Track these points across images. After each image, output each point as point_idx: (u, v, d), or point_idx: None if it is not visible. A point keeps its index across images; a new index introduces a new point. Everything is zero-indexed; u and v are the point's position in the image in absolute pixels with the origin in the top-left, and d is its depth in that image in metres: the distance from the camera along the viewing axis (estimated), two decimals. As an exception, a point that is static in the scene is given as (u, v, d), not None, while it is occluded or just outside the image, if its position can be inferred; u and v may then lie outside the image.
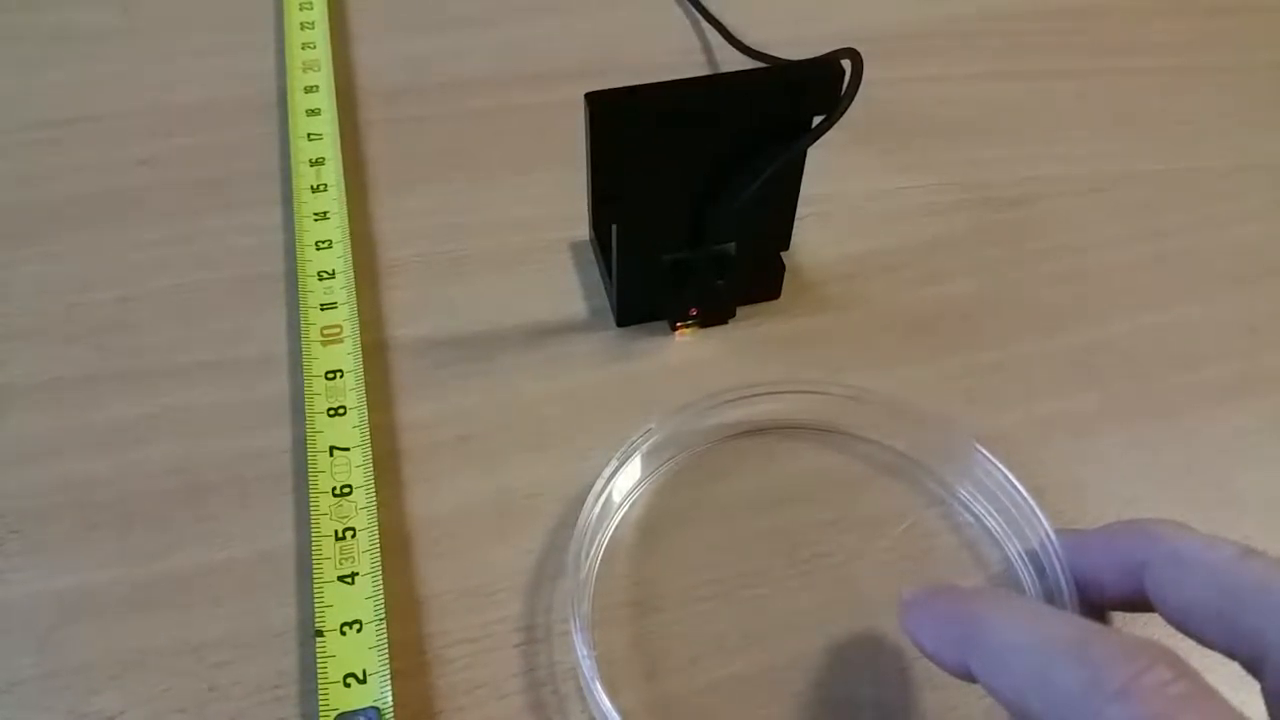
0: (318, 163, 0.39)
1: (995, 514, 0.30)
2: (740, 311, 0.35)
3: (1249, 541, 0.22)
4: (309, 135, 0.40)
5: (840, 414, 0.32)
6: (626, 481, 0.30)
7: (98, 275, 0.36)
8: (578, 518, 0.28)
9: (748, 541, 0.30)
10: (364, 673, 0.26)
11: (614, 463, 0.29)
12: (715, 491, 0.31)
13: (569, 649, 0.26)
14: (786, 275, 0.35)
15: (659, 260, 0.33)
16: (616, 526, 0.30)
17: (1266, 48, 0.49)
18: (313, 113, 0.41)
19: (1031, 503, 0.28)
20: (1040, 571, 0.27)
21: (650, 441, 0.30)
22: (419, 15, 0.48)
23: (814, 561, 0.29)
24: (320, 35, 0.45)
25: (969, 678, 0.21)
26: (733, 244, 0.33)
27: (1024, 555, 0.28)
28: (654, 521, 0.30)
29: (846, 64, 0.30)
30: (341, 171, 0.39)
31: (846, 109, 0.30)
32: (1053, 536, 0.26)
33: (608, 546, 0.29)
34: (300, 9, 0.47)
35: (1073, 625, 0.20)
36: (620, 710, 0.24)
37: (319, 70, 0.43)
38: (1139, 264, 0.38)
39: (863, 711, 0.26)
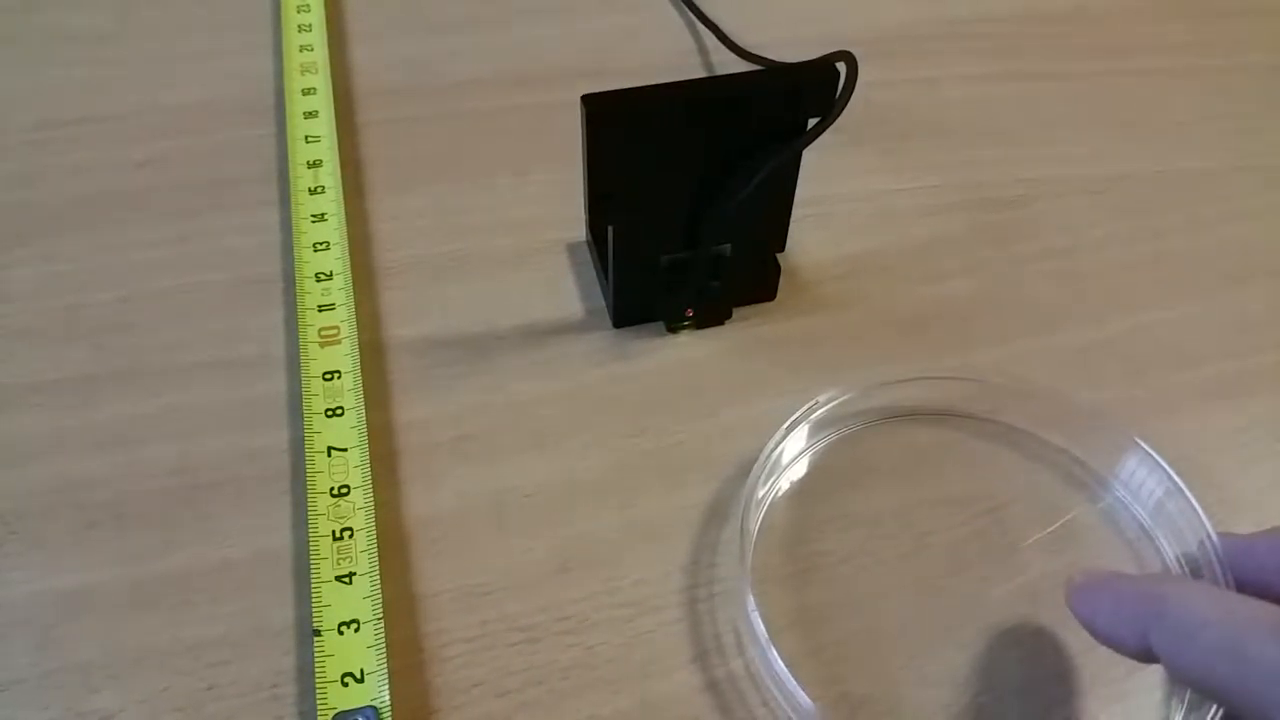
0: (315, 164, 0.39)
1: (1151, 511, 0.29)
2: (736, 312, 0.35)
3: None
4: (307, 137, 0.40)
5: (997, 403, 0.32)
6: (793, 447, 0.30)
7: (96, 276, 0.36)
8: (744, 480, 0.29)
9: (907, 521, 0.30)
10: (362, 672, 0.26)
11: (781, 431, 0.30)
12: (873, 469, 0.31)
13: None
14: (783, 276, 0.36)
15: (655, 261, 0.33)
16: (778, 492, 0.30)
17: (1261, 49, 0.49)
18: (310, 115, 0.41)
19: (1193, 502, 0.28)
20: (1196, 573, 0.27)
21: (817, 414, 0.30)
22: (416, 17, 0.48)
23: (963, 545, 0.30)
24: (318, 37, 0.45)
25: (1146, 656, 0.21)
26: (729, 245, 0.33)
27: (1181, 556, 0.28)
28: (811, 488, 0.31)
29: (842, 66, 0.30)
30: (339, 173, 0.39)
31: (842, 111, 0.30)
32: (1214, 537, 0.26)
33: (767, 510, 0.30)
34: (298, 11, 0.47)
35: (1263, 606, 0.20)
36: (787, 660, 0.25)
37: (317, 72, 0.43)
38: (1134, 264, 0.38)
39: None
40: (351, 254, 0.36)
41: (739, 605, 0.27)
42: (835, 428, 0.32)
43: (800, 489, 0.31)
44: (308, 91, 0.42)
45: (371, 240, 0.38)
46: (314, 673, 0.26)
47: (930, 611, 0.28)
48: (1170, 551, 0.29)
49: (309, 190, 0.38)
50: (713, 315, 0.35)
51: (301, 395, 0.32)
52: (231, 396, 0.33)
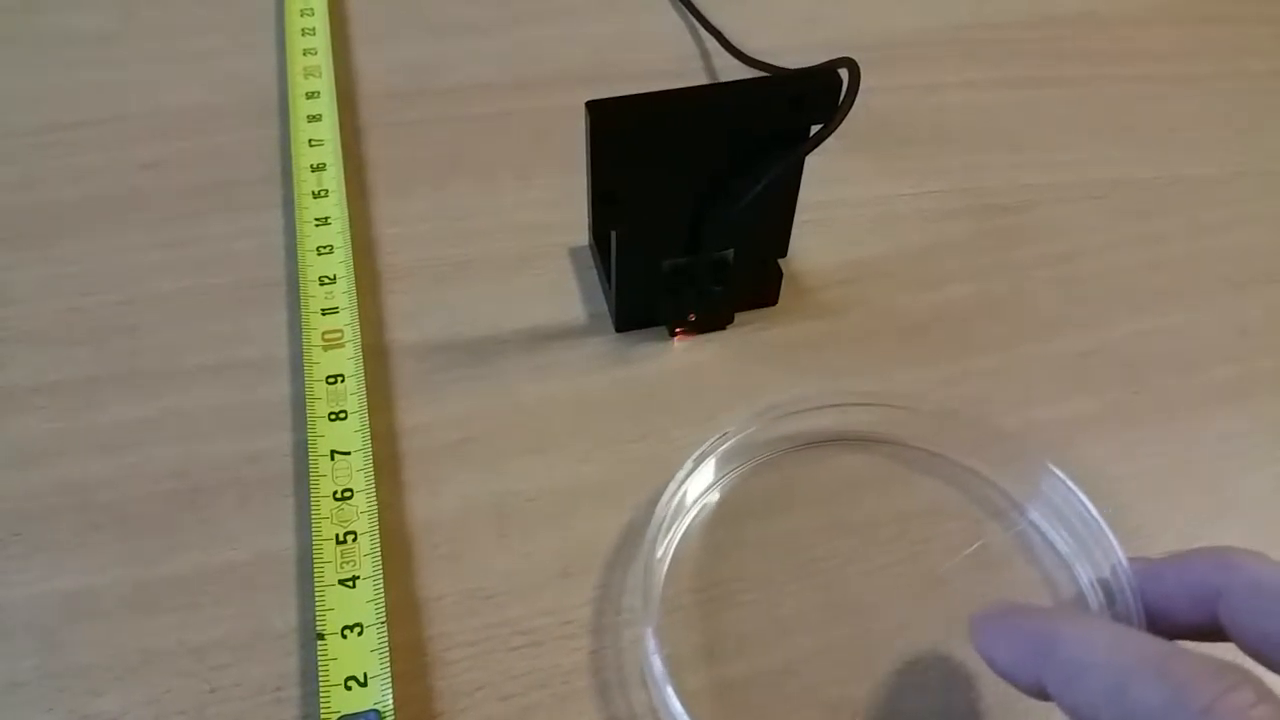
0: (319, 168, 0.39)
1: (1066, 537, 0.29)
2: (738, 317, 0.36)
3: (1240, 546, 0.22)
4: (310, 141, 0.40)
5: (908, 428, 0.32)
6: (699, 484, 0.30)
7: (100, 278, 0.36)
8: (652, 514, 0.28)
9: (808, 548, 0.30)
10: (365, 675, 0.26)
11: (688, 465, 0.29)
12: (778, 501, 0.31)
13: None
14: (784, 281, 0.36)
15: (658, 266, 0.33)
16: (686, 526, 0.30)
17: (1260, 56, 0.49)
18: (314, 118, 0.41)
19: (1104, 527, 0.28)
20: (1110, 598, 0.27)
21: (723, 447, 0.30)
22: (419, 21, 0.48)
23: (879, 572, 0.29)
24: (321, 41, 0.46)
25: (1042, 695, 0.21)
26: (731, 250, 0.33)
27: (1095, 581, 0.28)
28: (720, 523, 0.30)
29: (844, 73, 0.30)
30: (343, 177, 0.39)
31: (844, 118, 0.30)
32: (1125, 562, 0.26)
33: (677, 544, 0.29)
34: (301, 15, 0.47)
35: (1153, 643, 0.20)
36: (684, 697, 0.25)
37: (320, 76, 0.44)
38: (1135, 269, 0.38)
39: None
40: (355, 257, 0.36)
41: (641, 645, 0.26)
42: (751, 456, 0.31)
43: (713, 518, 0.30)
44: (311, 95, 0.43)
45: (375, 244, 0.38)
46: (317, 676, 0.26)
47: (844, 640, 0.28)
48: (1086, 577, 0.29)
49: (312, 194, 0.38)
50: (714, 320, 0.35)
51: (305, 398, 0.32)
52: (235, 400, 0.33)
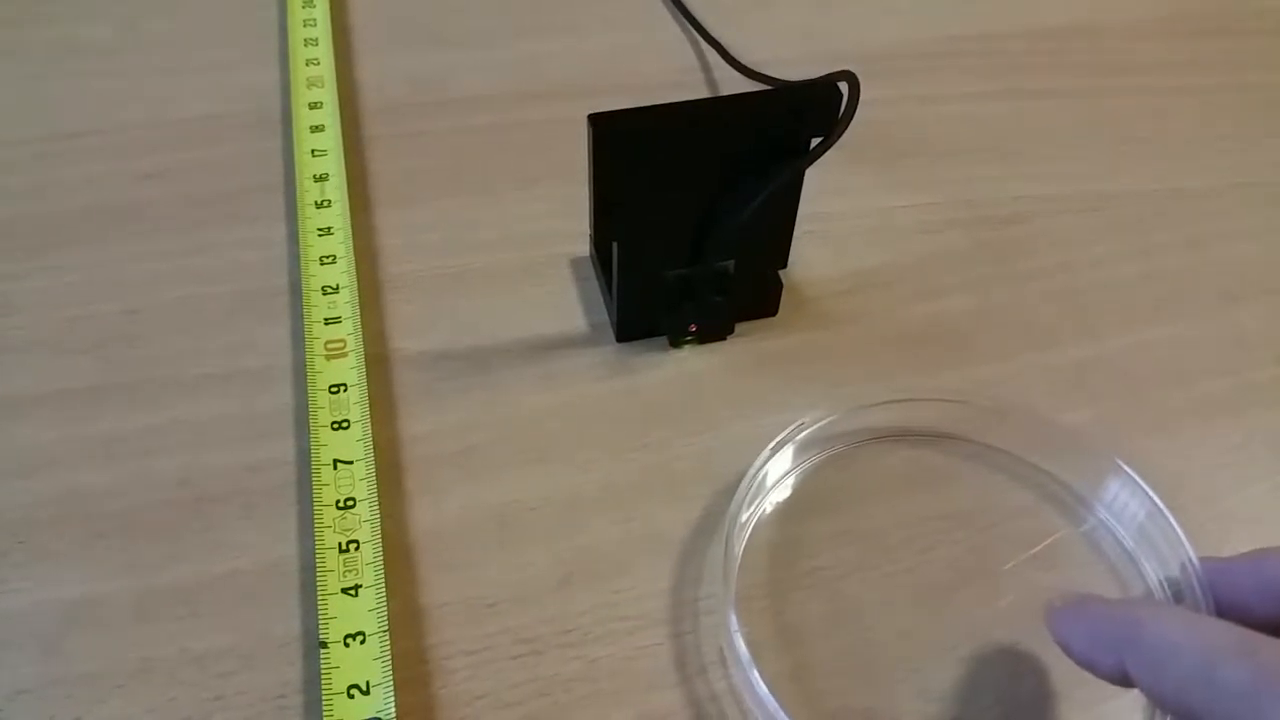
0: (322, 178, 0.40)
1: (1134, 533, 0.30)
2: (739, 327, 0.36)
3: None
4: (313, 151, 0.41)
5: (980, 424, 0.32)
6: (777, 469, 0.30)
7: (103, 288, 0.36)
8: (730, 501, 0.29)
9: (885, 540, 0.30)
10: (368, 684, 0.26)
11: (766, 453, 0.30)
12: (854, 491, 0.31)
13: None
14: (784, 292, 0.36)
15: (659, 277, 0.33)
16: (764, 511, 0.31)
17: (1256, 68, 0.50)
18: (317, 129, 0.42)
19: (1175, 525, 0.28)
20: (1179, 595, 0.27)
21: (800, 435, 0.30)
22: (422, 32, 0.49)
23: (946, 566, 0.30)
24: (324, 52, 0.46)
25: (1123, 680, 0.22)
26: (732, 262, 0.34)
27: (1164, 579, 0.28)
28: (796, 509, 0.31)
29: (844, 86, 0.30)
30: (345, 187, 0.39)
31: (844, 131, 0.30)
32: (1194, 560, 0.26)
33: (752, 530, 0.30)
34: (304, 26, 0.47)
35: (1235, 630, 0.21)
36: (768, 681, 0.25)
37: (323, 86, 0.44)
38: (1132, 281, 0.39)
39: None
40: (357, 267, 0.37)
41: (723, 625, 0.27)
42: (821, 448, 0.32)
43: (786, 509, 0.31)
44: (314, 105, 0.43)
45: (377, 254, 0.38)
46: (320, 684, 0.26)
47: (915, 631, 0.28)
48: (1153, 574, 0.29)
49: (315, 204, 0.38)
50: (715, 330, 0.35)
51: (308, 408, 0.32)
52: (238, 409, 0.33)
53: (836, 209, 0.40)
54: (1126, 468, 0.30)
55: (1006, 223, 0.41)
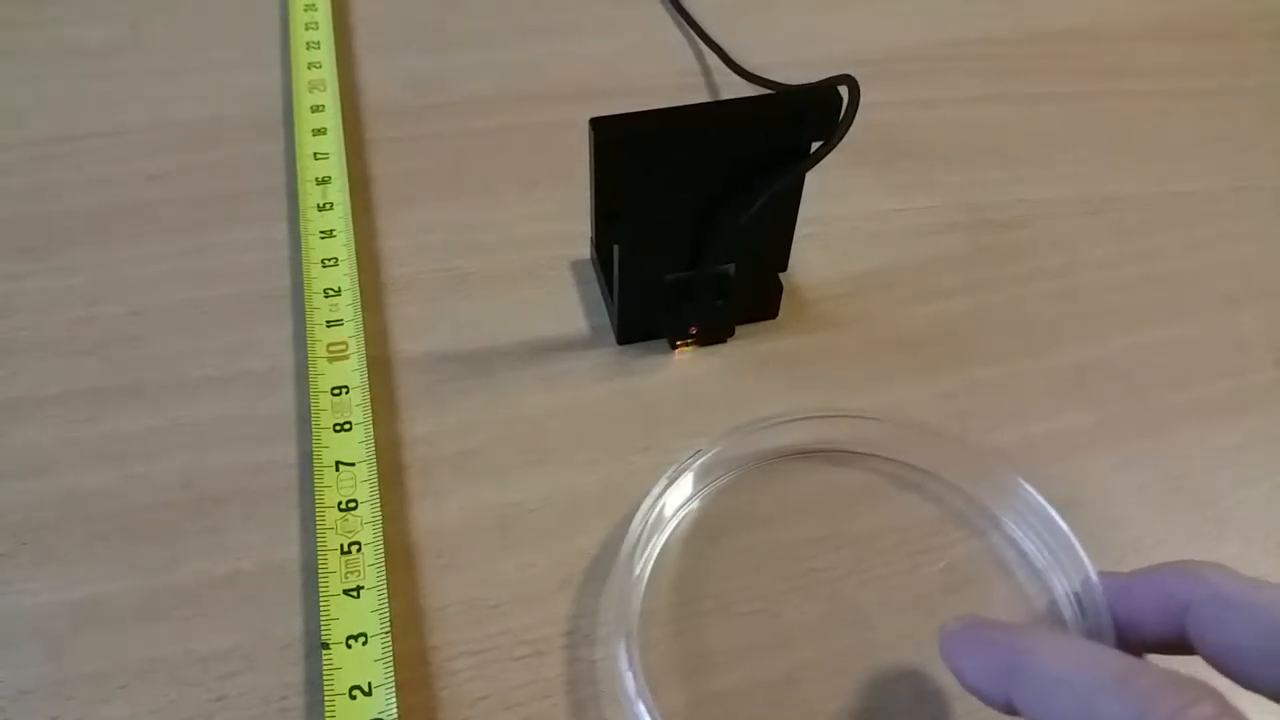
0: (324, 181, 0.40)
1: (1042, 550, 0.30)
2: (739, 330, 0.36)
3: (1235, 560, 0.23)
4: (315, 154, 0.41)
5: (884, 440, 0.32)
6: (676, 498, 0.30)
7: (105, 290, 0.36)
8: (626, 531, 0.28)
9: (783, 562, 0.30)
10: (369, 685, 0.26)
11: (664, 481, 0.30)
12: (756, 512, 0.31)
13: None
14: (784, 295, 0.36)
15: (659, 280, 0.34)
16: (665, 541, 0.30)
17: (1256, 72, 0.50)
18: (319, 131, 0.42)
19: (1074, 541, 0.28)
20: (1083, 611, 0.27)
21: (700, 461, 0.30)
22: (423, 35, 0.49)
23: (838, 583, 0.30)
24: (326, 54, 0.46)
25: (1010, 710, 0.21)
26: (732, 265, 0.34)
27: (1070, 594, 0.28)
28: (698, 536, 0.30)
29: (844, 90, 0.31)
30: (347, 189, 0.39)
31: (844, 135, 0.30)
32: (1095, 577, 0.26)
33: (656, 559, 0.30)
34: (306, 29, 0.47)
35: (1119, 659, 0.20)
36: (662, 712, 0.25)
37: (325, 89, 0.44)
38: (1132, 284, 0.39)
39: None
40: (359, 270, 0.37)
41: (614, 660, 0.26)
42: (727, 470, 0.32)
43: (691, 532, 0.31)
44: (316, 108, 0.43)
45: (379, 256, 0.38)
46: (322, 685, 0.26)
47: (819, 653, 0.28)
48: (1062, 590, 0.29)
49: (317, 206, 0.39)
50: (715, 333, 0.35)
51: (310, 410, 0.32)
52: (240, 411, 0.33)
53: (837, 212, 0.40)
54: (1028, 486, 0.30)
55: (1007, 225, 0.41)
